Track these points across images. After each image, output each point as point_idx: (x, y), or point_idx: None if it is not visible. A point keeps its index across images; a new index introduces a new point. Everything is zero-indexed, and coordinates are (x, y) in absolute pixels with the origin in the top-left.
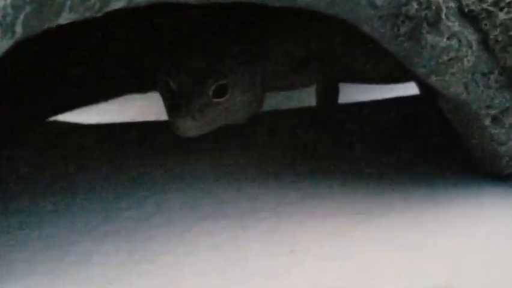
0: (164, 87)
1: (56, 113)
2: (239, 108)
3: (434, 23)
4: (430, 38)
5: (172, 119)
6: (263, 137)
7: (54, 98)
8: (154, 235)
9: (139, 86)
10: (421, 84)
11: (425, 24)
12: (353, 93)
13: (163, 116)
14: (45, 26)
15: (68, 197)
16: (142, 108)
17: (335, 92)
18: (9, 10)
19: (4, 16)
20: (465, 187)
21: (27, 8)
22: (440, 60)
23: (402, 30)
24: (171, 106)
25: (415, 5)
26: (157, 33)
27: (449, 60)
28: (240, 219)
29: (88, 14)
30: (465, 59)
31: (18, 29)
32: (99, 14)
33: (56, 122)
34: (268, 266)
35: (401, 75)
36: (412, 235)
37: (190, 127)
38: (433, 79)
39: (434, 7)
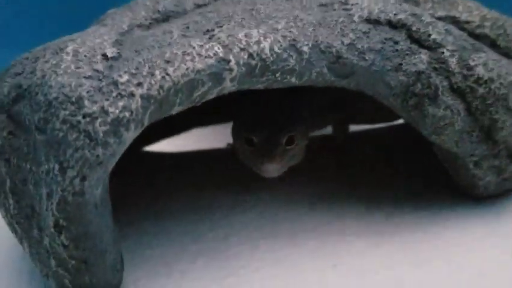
0: (244, 141)
1: (148, 143)
2: (300, 152)
3: (434, 98)
4: (431, 109)
5: (259, 164)
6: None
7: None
8: (233, 253)
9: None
10: None
11: (426, 99)
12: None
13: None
14: (162, 116)
15: (165, 220)
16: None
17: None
18: (140, 110)
19: (137, 114)
20: (454, 204)
21: (152, 107)
22: (438, 125)
23: (411, 103)
24: (257, 155)
25: (419, 86)
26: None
27: (445, 125)
28: (293, 238)
29: (190, 105)
30: (456, 124)
31: (146, 122)
32: (197, 104)
33: (148, 152)
34: (320, 279)
35: (389, 118)
36: (422, 250)
37: (275, 169)
38: (433, 138)
39: (433, 87)
